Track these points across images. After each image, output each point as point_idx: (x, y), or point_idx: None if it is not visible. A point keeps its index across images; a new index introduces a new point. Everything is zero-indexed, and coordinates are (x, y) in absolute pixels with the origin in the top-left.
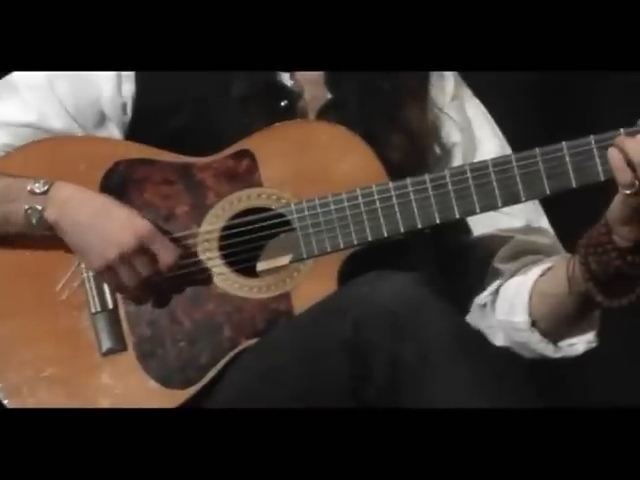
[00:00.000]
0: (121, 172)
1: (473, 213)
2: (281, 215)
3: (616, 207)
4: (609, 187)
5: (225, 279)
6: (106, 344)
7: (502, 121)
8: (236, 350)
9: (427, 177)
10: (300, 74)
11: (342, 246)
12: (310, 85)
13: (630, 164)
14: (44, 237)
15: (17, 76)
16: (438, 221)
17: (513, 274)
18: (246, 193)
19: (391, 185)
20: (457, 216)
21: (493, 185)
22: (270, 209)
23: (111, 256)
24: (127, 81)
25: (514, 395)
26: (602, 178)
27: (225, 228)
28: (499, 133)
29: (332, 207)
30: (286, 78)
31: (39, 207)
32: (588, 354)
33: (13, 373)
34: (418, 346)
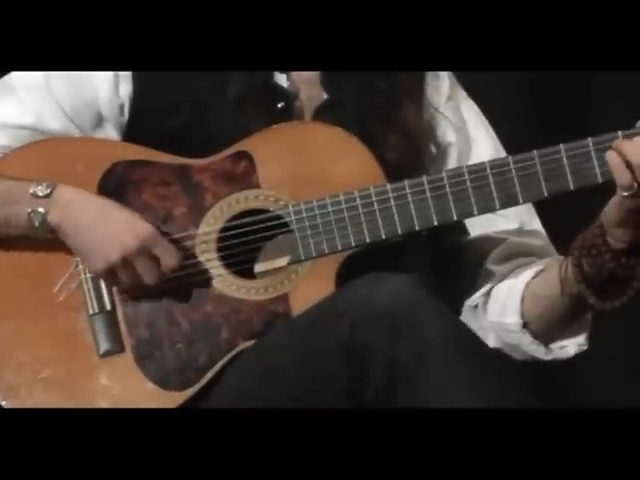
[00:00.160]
0: (119, 173)
1: (471, 215)
2: (279, 217)
3: (612, 209)
4: (602, 189)
5: (223, 281)
6: (104, 346)
7: (498, 122)
8: (234, 352)
9: (425, 179)
10: (296, 74)
11: (340, 248)
12: (306, 85)
13: (629, 166)
14: (46, 239)
15: (14, 77)
16: (436, 223)
17: (505, 276)
18: (244, 195)
19: (389, 187)
20: (455, 218)
21: (491, 187)
22: (268, 211)
23: (113, 258)
24: (124, 82)
25: (510, 396)
26: (600, 180)
27: (223, 230)
28: (493, 134)
29: (330, 209)
30: (282, 79)
31: (42, 210)
32: (580, 356)
33: (11, 374)
34: (415, 347)
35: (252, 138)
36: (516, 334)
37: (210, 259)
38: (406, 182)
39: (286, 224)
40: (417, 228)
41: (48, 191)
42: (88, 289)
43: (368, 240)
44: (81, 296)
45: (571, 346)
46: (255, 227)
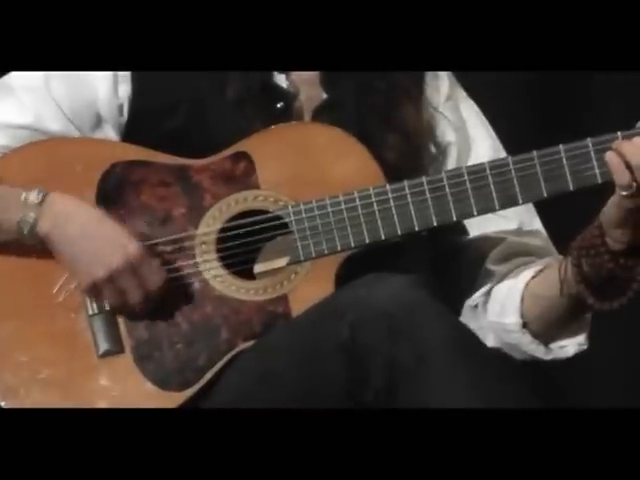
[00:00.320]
0: (118, 174)
1: (470, 216)
2: (278, 217)
3: (610, 209)
4: (602, 189)
5: (222, 281)
6: (103, 346)
7: (498, 122)
8: (233, 352)
9: (424, 180)
10: (295, 75)
11: (339, 248)
12: (306, 85)
13: (628, 167)
14: (34, 247)
15: (13, 78)
16: (435, 224)
17: (505, 276)
18: (243, 195)
19: (388, 188)
20: (454, 219)
21: (490, 188)
22: (267, 211)
23: (99, 275)
24: (123, 82)
25: (510, 397)
26: (599, 181)
27: (222, 230)
28: (492, 134)
29: (329, 209)
30: (281, 79)
31: (32, 218)
32: (580, 356)
33: (10, 375)
34: (415, 348)
35: (251, 139)
36: (516, 334)
37: (209, 260)
38: (405, 183)
39: (285, 225)
40: (416, 229)
41: (40, 199)
42: None
43: (367, 241)
44: (80, 296)
45: (571, 346)
46: (254, 228)
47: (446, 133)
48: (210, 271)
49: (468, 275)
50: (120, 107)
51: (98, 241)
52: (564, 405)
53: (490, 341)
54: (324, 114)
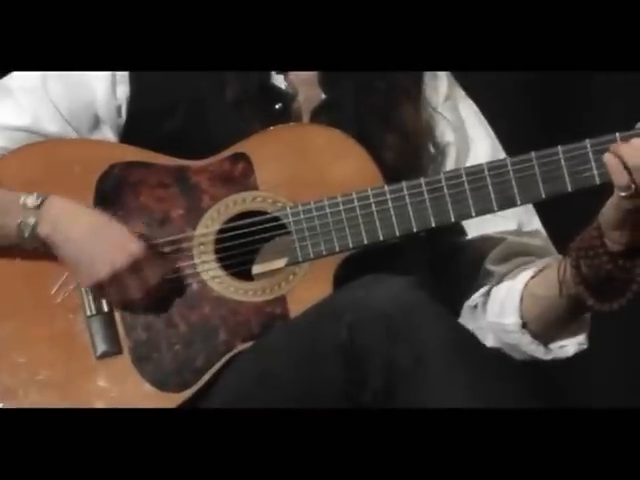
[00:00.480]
0: (116, 175)
1: (469, 217)
2: (277, 218)
3: (609, 211)
4: (601, 189)
5: (220, 282)
6: (101, 347)
7: (497, 121)
8: (231, 353)
9: (423, 181)
10: (294, 75)
11: (338, 249)
12: (304, 86)
13: (626, 167)
14: (36, 250)
15: (11, 79)
16: (434, 225)
17: (504, 276)
18: (242, 196)
19: (387, 189)
20: (452, 220)
21: (489, 189)
22: (266, 212)
23: (102, 275)
24: (121, 84)
25: (509, 397)
26: (597, 182)
27: (221, 231)
28: (492, 133)
29: (328, 210)
30: (280, 80)
31: (31, 221)
32: (580, 355)
33: (8, 376)
34: (413, 350)
35: (250, 140)
36: (515, 334)
37: (207, 261)
38: (404, 184)
39: (284, 226)
40: (415, 230)
41: (38, 202)
42: (86, 290)
43: (366, 242)
44: (79, 297)
45: (570, 346)
46: (253, 229)
47: (445, 133)
48: (208, 272)
49: (467, 276)
50: (118, 108)
51: (100, 241)
52: (564, 405)
53: (490, 341)
54: (323, 114)
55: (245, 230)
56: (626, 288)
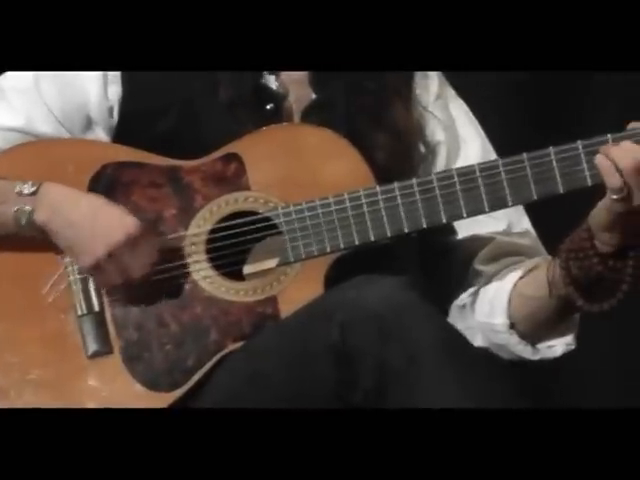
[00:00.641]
0: (109, 175)
1: (460, 218)
2: (268, 219)
3: (600, 212)
4: (592, 189)
5: (212, 282)
6: (92, 347)
7: (488, 121)
8: (222, 353)
9: (414, 181)
10: (285, 75)
11: (329, 250)
12: (295, 86)
13: (618, 170)
14: (33, 238)
15: (4, 80)
16: (425, 225)
17: (493, 276)
18: (234, 196)
19: (378, 189)
20: (444, 221)
21: (480, 190)
22: (257, 213)
23: (99, 253)
24: (114, 84)
25: (500, 396)
26: (589, 183)
27: (212, 231)
28: (482, 133)
29: (319, 211)
30: (271, 80)
31: (28, 208)
32: (568, 356)
33: (0, 376)
34: (405, 350)
35: (242, 140)
36: (503, 334)
37: (199, 260)
38: (395, 184)
39: (275, 226)
40: (406, 230)
41: (34, 189)
42: (77, 290)
43: (357, 242)
44: (70, 297)
45: (559, 346)
46: (244, 229)
47: (436, 132)
48: (200, 272)
49: (456, 275)
50: (110, 109)
51: (96, 223)
52: (553, 405)
53: (478, 341)
54: (313, 114)
55: (237, 230)
56: (616, 288)
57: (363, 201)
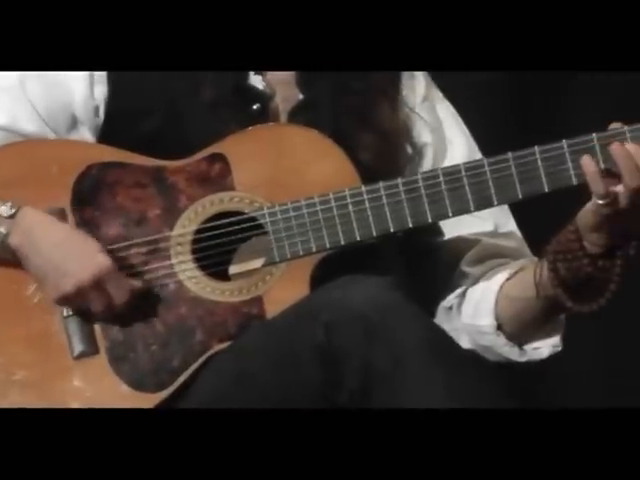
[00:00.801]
0: (93, 175)
1: (445, 217)
2: (254, 219)
3: (587, 214)
4: (577, 189)
5: (197, 282)
6: (78, 347)
7: (473, 121)
8: (208, 354)
9: (400, 181)
10: (271, 75)
11: (315, 250)
12: (281, 86)
13: (610, 173)
14: (8, 260)
15: None
16: (411, 225)
17: (479, 277)
18: (219, 197)
19: (364, 189)
20: (430, 220)
21: (465, 189)
22: (243, 213)
23: (67, 289)
24: (99, 84)
25: (487, 397)
26: (574, 183)
27: (197, 231)
28: (468, 134)
29: (305, 211)
30: (257, 80)
31: (3, 231)
32: (554, 355)
33: None
34: (391, 351)
35: (227, 140)
36: (490, 336)
37: (184, 261)
38: (381, 184)
39: (261, 226)
40: (392, 230)
41: (12, 212)
42: None
43: (343, 242)
44: None
45: (545, 347)
46: (230, 229)
47: (422, 134)
48: (185, 272)
49: (442, 276)
50: (96, 109)
51: (67, 255)
52: (539, 405)
53: (464, 343)
54: (300, 115)
55: (222, 230)
56: (605, 288)
57: (349, 201)
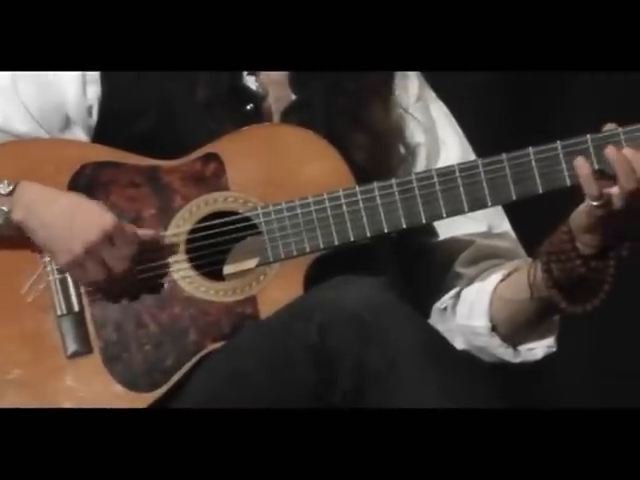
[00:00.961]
0: (88, 175)
1: (440, 218)
2: (248, 219)
3: (581, 215)
4: (571, 190)
5: (191, 282)
6: (71, 347)
7: (467, 122)
8: (201, 353)
9: (394, 182)
10: (264, 75)
11: (308, 250)
12: (275, 86)
13: (604, 174)
14: (12, 237)
15: None
16: (404, 226)
17: (474, 278)
18: (213, 197)
19: (358, 189)
20: (423, 221)
21: (459, 190)
22: (237, 213)
23: (77, 251)
24: (92, 84)
25: (481, 397)
26: (568, 184)
27: (192, 231)
28: (462, 135)
29: (299, 211)
30: (251, 81)
31: (5, 208)
32: (548, 357)
33: None
34: (384, 351)
35: (222, 140)
36: (484, 337)
37: (179, 260)
38: (375, 184)
39: (255, 226)
40: (386, 230)
41: (10, 189)
42: (56, 290)
43: (337, 242)
44: (49, 297)
45: (539, 349)
46: (224, 229)
47: (415, 134)
48: (179, 272)
49: (437, 277)
50: (89, 109)
51: (73, 221)
52: (533, 405)
53: (458, 344)
54: (293, 115)
55: (216, 230)
56: (598, 289)
57: (342, 201)
